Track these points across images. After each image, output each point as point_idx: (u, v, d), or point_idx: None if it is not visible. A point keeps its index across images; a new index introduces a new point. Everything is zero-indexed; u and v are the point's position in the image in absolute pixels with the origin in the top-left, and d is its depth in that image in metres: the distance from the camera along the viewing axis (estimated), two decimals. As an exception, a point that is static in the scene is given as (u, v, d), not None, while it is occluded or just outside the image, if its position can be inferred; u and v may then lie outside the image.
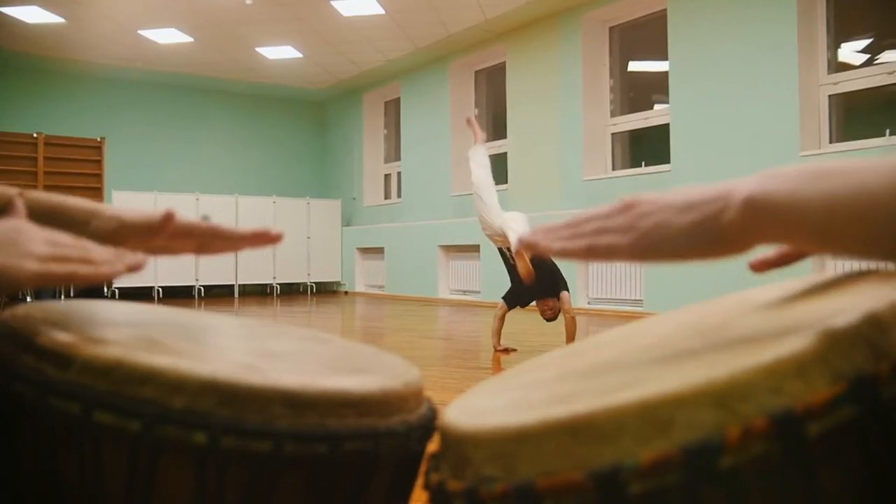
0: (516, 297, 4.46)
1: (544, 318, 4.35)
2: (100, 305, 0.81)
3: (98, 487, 0.57)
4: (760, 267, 0.63)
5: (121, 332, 0.67)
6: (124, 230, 0.72)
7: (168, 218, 0.71)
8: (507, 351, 4.42)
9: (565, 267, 4.59)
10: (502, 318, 4.47)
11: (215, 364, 0.60)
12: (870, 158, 0.44)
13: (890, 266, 0.53)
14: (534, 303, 4.41)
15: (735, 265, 0.60)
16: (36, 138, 9.75)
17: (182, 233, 0.74)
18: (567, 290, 4.34)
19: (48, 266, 0.59)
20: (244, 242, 0.76)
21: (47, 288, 7.96)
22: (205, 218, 0.77)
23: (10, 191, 0.73)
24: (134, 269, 0.65)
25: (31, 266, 0.58)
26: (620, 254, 0.52)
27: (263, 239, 0.75)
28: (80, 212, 0.74)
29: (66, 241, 0.63)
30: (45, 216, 0.75)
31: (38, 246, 0.60)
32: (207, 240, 0.76)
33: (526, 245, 0.57)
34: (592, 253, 0.54)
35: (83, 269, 0.60)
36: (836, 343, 0.41)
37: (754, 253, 0.56)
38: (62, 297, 8.90)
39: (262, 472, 0.57)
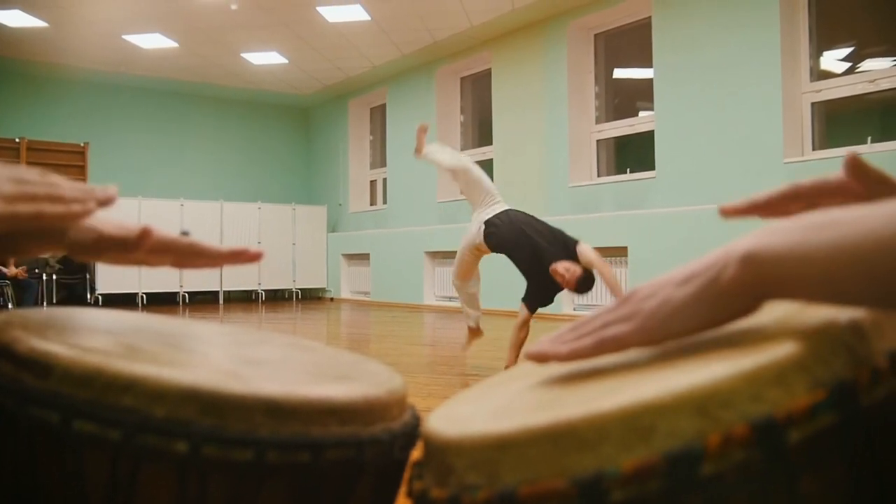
0: (540, 291, 3.75)
1: (568, 288, 3.51)
2: (80, 313, 0.80)
3: (79, 497, 0.57)
4: (729, 213, 0.63)
5: (101, 340, 0.66)
6: (101, 243, 0.71)
7: (145, 234, 0.71)
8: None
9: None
10: (526, 327, 3.74)
11: (197, 372, 0.59)
12: (871, 206, 0.43)
13: None
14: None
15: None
16: (18, 143, 9.68)
17: (160, 248, 0.73)
18: (579, 241, 3.65)
19: (14, 206, 0.57)
20: (223, 260, 0.75)
21: (28, 295, 7.89)
22: (184, 233, 0.76)
23: None
24: (105, 203, 0.64)
25: None
26: (629, 341, 0.52)
27: (243, 257, 0.75)
28: None
29: (33, 178, 0.61)
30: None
31: (2, 185, 0.58)
32: (186, 256, 0.75)
33: (533, 358, 0.56)
34: (601, 347, 0.53)
35: (52, 208, 0.59)
36: (816, 350, 0.41)
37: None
38: (44, 304, 8.82)
39: (244, 480, 0.56)
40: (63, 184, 0.62)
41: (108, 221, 0.73)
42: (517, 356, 3.69)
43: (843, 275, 0.42)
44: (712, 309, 0.48)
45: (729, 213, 0.63)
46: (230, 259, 0.75)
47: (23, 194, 0.58)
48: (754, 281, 0.46)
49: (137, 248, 0.71)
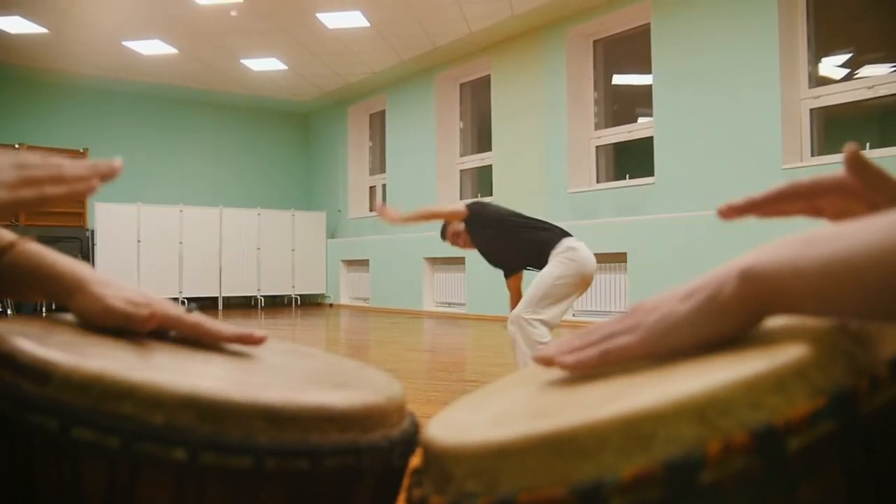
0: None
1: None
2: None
3: (76, 504, 0.57)
4: (728, 213, 0.64)
5: (100, 347, 0.66)
6: (107, 315, 0.71)
7: (151, 319, 0.71)
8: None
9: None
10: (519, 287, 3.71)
11: (195, 379, 0.59)
12: (864, 219, 0.44)
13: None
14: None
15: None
16: (18, 149, 9.67)
17: (165, 326, 0.74)
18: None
19: (18, 192, 0.57)
20: (226, 342, 0.76)
21: (27, 303, 7.88)
22: (190, 309, 0.77)
23: (8, 235, 0.71)
24: (108, 177, 0.64)
25: (1, 195, 0.57)
26: (632, 352, 0.53)
27: (246, 340, 0.75)
28: (67, 281, 0.72)
29: (34, 162, 0.61)
30: (33, 274, 0.72)
31: (4, 173, 0.58)
32: (190, 335, 0.75)
33: (541, 362, 0.57)
34: (606, 357, 0.54)
35: (55, 190, 0.59)
36: (815, 358, 0.41)
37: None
38: (44, 311, 8.80)
39: (242, 487, 0.56)
40: (65, 163, 0.63)
41: (119, 291, 0.73)
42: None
43: (836, 290, 0.42)
44: (712, 324, 0.50)
45: (727, 214, 0.64)
46: (233, 341, 0.75)
47: (25, 179, 0.59)
48: (752, 297, 0.47)
49: (142, 328, 0.71)
